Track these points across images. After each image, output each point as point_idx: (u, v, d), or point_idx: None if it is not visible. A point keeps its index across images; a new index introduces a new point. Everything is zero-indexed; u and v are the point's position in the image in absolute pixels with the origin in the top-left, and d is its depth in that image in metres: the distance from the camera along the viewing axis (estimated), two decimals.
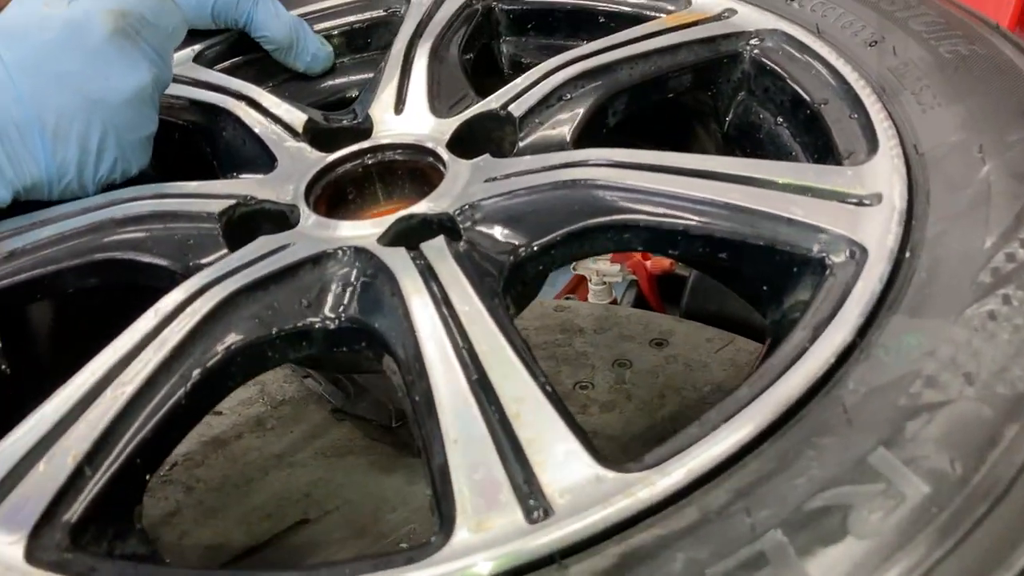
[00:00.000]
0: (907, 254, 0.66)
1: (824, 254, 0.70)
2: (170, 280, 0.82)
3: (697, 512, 0.52)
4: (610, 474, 0.56)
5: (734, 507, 0.52)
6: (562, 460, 0.57)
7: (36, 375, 0.90)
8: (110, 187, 0.92)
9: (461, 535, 0.54)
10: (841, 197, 0.73)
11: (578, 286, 2.16)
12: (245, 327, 0.73)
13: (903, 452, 0.52)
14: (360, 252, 0.77)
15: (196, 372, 0.70)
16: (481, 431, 0.60)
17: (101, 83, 0.88)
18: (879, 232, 0.68)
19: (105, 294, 0.87)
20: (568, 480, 0.56)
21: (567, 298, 2.03)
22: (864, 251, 0.67)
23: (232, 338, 0.72)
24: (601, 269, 2.00)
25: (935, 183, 0.72)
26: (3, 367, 0.87)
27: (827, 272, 0.69)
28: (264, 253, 0.78)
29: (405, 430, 1.29)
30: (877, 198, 0.72)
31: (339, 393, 1.41)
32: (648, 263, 1.94)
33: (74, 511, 0.62)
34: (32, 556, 0.58)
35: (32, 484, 0.62)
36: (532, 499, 0.56)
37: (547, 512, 0.55)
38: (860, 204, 0.72)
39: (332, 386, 1.41)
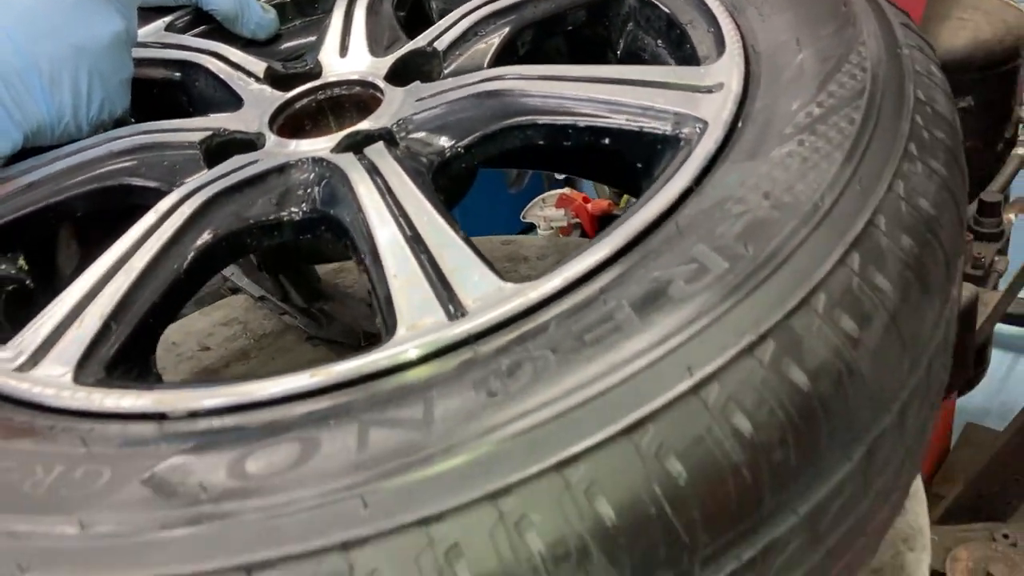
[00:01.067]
0: (739, 124, 0.86)
1: (678, 131, 0.89)
2: (156, 198, 1.00)
3: (570, 303, 0.72)
4: (509, 285, 0.75)
5: (596, 298, 0.71)
6: (475, 280, 0.77)
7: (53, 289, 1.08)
8: (100, 129, 1.11)
9: (400, 333, 0.74)
10: (693, 88, 0.92)
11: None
12: (227, 220, 0.92)
13: (713, 244, 0.71)
14: (317, 160, 0.96)
15: (190, 254, 0.89)
16: (415, 269, 0.79)
17: (84, 32, 1.06)
18: (718, 109, 0.88)
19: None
20: (478, 292, 0.75)
21: None
22: (706, 124, 0.87)
23: (217, 227, 0.91)
24: (548, 215, 2.19)
25: (765, 72, 0.92)
26: (28, 283, 1.05)
27: (680, 144, 0.88)
28: (238, 166, 0.97)
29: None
30: (720, 86, 0.91)
31: (313, 323, 1.59)
32: (589, 205, 2.14)
33: (106, 355, 0.81)
34: (78, 380, 0.77)
35: (73, 335, 0.81)
36: (452, 306, 0.75)
37: (463, 313, 0.74)
38: (707, 92, 0.91)
39: (306, 318, 1.60)
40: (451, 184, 0.98)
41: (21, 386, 0.77)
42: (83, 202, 1.04)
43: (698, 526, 0.63)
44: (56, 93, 1.05)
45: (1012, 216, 2.53)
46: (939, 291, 0.78)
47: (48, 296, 1.03)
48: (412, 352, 0.71)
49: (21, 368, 0.80)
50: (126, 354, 0.82)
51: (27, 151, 1.08)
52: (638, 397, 0.63)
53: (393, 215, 0.85)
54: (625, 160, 0.96)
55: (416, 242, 0.82)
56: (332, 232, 0.92)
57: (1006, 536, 1.91)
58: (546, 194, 2.22)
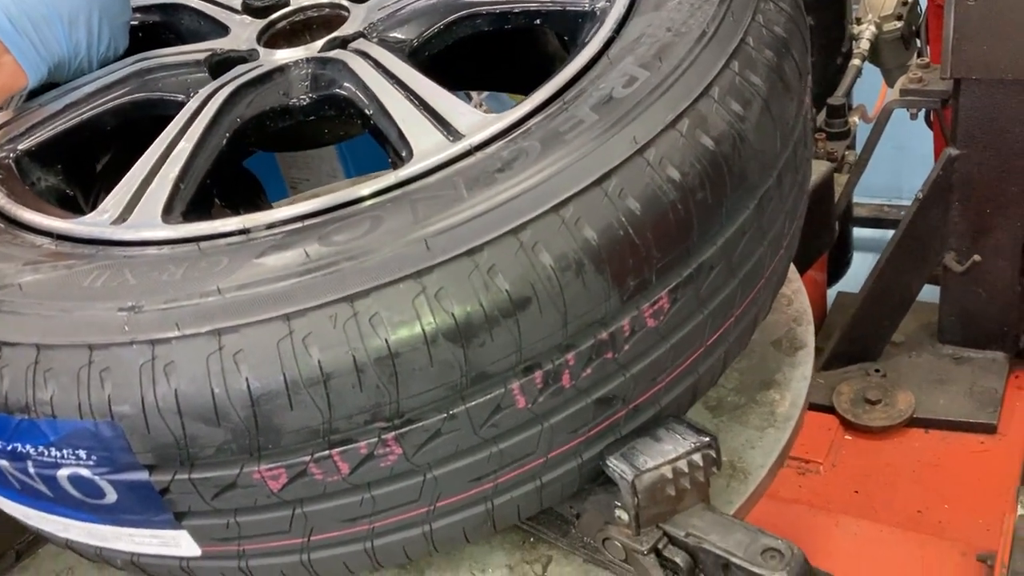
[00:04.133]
0: None
1: (594, 6, 1.17)
2: (179, 109, 1.22)
3: (542, 116, 0.98)
4: (492, 115, 1.02)
5: (563, 110, 0.98)
6: (465, 113, 1.03)
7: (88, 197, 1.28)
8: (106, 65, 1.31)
9: (417, 154, 0.99)
10: None
11: None
12: (249, 107, 1.15)
13: (636, 63, 0.99)
14: (312, 59, 1.20)
15: (227, 132, 1.12)
16: (417, 115, 1.05)
17: None
18: None
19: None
20: (469, 121, 1.01)
21: None
22: None
23: (242, 112, 1.14)
24: None
25: None
26: (67, 191, 1.25)
27: (597, 16, 1.16)
28: (246, 70, 1.20)
29: None
30: None
31: None
32: None
33: (180, 207, 1.03)
34: (166, 222, 1.00)
35: (152, 192, 1.03)
36: (450, 133, 1.00)
37: (460, 136, 1.00)
38: None
39: None
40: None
41: (122, 231, 0.99)
42: (111, 117, 1.24)
43: (652, 245, 0.91)
44: (74, 33, 1.25)
45: (855, 119, 2.93)
46: (796, 92, 1.08)
47: (88, 199, 1.25)
48: (431, 162, 0.97)
49: (115, 222, 1.01)
50: (194, 206, 1.05)
51: (45, 87, 1.28)
52: (603, 160, 0.91)
53: (389, 81, 1.10)
54: (551, 33, 1.23)
55: (413, 96, 1.07)
56: (335, 108, 1.16)
57: (878, 371, 2.28)
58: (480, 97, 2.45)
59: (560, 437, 0.96)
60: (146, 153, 1.09)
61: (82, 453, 0.89)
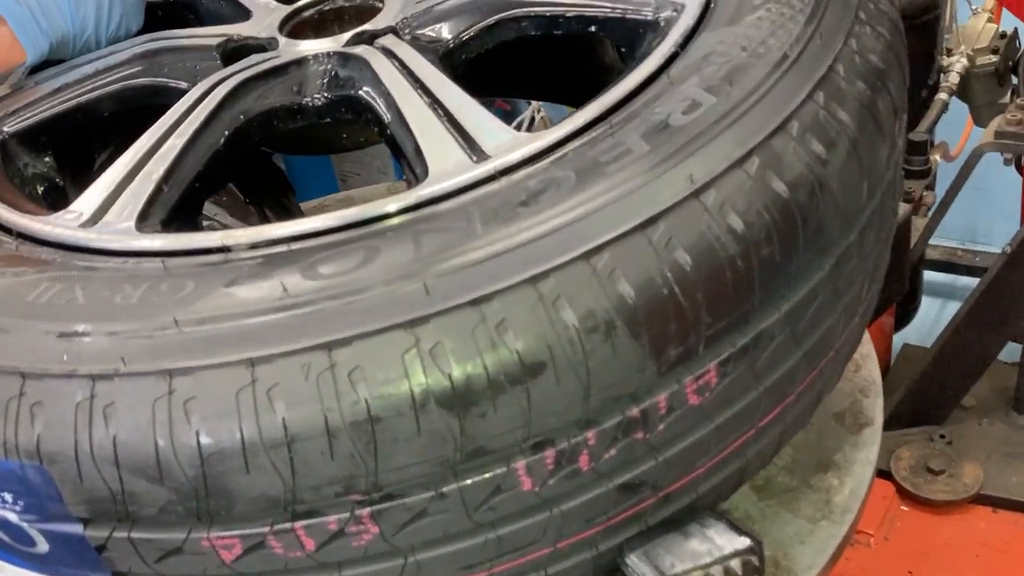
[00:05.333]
0: (712, 3, 0.98)
1: (657, 16, 1.01)
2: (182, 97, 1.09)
3: (583, 140, 0.83)
4: (524, 134, 0.87)
5: (608, 134, 0.82)
6: (494, 130, 0.87)
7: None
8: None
9: (433, 175, 0.84)
10: None
11: None
12: (256, 102, 1.01)
13: (702, 85, 0.84)
14: (333, 54, 1.06)
15: (227, 130, 0.98)
16: (439, 128, 0.90)
17: None
18: None
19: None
20: (497, 140, 0.86)
21: None
22: (683, 6, 0.99)
23: (247, 107, 1.00)
24: None
25: None
26: (57, 180, 1.12)
27: (660, 26, 1.00)
28: (260, 60, 1.06)
29: None
30: None
31: None
32: None
33: (161, 212, 0.90)
34: (140, 229, 0.86)
35: (130, 196, 0.90)
36: (474, 152, 0.85)
37: (486, 156, 0.85)
38: None
39: None
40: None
41: (88, 236, 0.86)
42: (109, 102, 1.11)
43: (702, 308, 0.75)
44: (81, 7, 1.13)
45: (936, 157, 2.72)
46: (889, 134, 0.91)
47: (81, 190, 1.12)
48: (446, 185, 0.82)
49: (84, 224, 0.88)
50: (177, 213, 0.91)
51: (48, 64, 1.16)
52: (650, 200, 0.75)
53: (413, 86, 0.95)
54: (608, 43, 1.08)
55: (438, 105, 0.92)
56: (352, 111, 1.02)
57: (942, 436, 2.08)
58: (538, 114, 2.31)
59: (572, 526, 0.80)
60: (132, 147, 0.95)
61: (7, 496, 0.76)
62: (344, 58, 1.04)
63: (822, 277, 0.84)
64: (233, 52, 1.13)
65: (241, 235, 0.82)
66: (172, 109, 0.99)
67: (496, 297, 0.71)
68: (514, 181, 0.80)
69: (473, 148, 0.86)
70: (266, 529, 0.74)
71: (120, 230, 0.86)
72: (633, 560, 0.81)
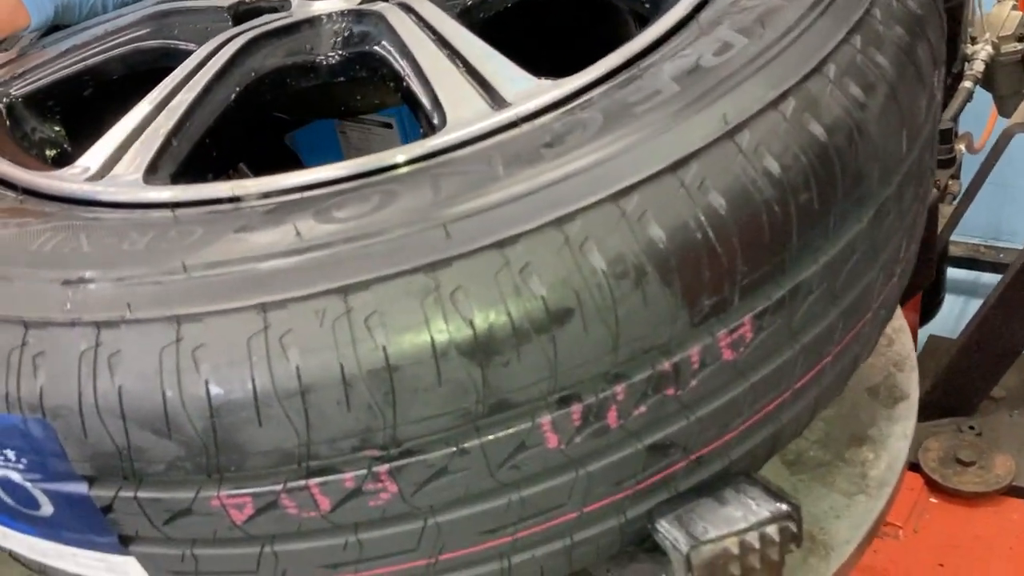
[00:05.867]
0: None
1: None
2: None
3: (611, 84, 0.79)
4: (547, 81, 0.83)
5: (638, 77, 0.79)
6: (516, 79, 0.84)
7: None
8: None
9: (453, 120, 0.80)
10: None
11: None
12: (268, 59, 0.98)
13: (734, 28, 0.80)
14: (347, 12, 1.02)
15: (237, 87, 0.95)
16: (458, 78, 0.86)
17: None
18: None
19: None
20: (520, 88, 0.82)
21: None
22: None
23: (259, 63, 0.97)
24: None
25: None
26: (66, 145, 1.09)
27: None
28: (273, 19, 1.03)
29: None
30: None
31: None
32: None
33: (171, 166, 0.86)
34: (148, 182, 0.83)
35: (139, 147, 0.86)
36: (495, 101, 0.82)
37: (506, 104, 0.81)
38: None
39: None
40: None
41: (95, 189, 0.82)
42: (118, 65, 1.09)
43: (737, 255, 0.71)
44: None
45: (962, 147, 2.67)
46: (928, 84, 0.87)
47: None
48: (466, 132, 0.78)
49: (91, 178, 0.85)
50: (187, 167, 0.88)
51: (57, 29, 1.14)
52: (682, 141, 0.71)
53: (431, 39, 0.92)
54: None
55: (456, 57, 0.89)
56: (367, 68, 0.99)
57: (972, 427, 2.02)
58: None
59: (599, 489, 0.76)
60: (142, 101, 0.92)
61: (10, 453, 0.72)
62: (359, 15, 1.01)
63: (860, 230, 0.80)
64: (245, 13, 1.10)
65: (251, 184, 0.78)
66: (182, 65, 0.96)
67: (520, 240, 0.67)
68: (537, 126, 0.76)
69: (493, 97, 0.83)
70: (279, 487, 0.70)
71: (128, 183, 0.83)
72: (664, 526, 0.77)
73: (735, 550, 0.76)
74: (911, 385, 1.13)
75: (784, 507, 0.77)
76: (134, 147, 0.87)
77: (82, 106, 1.12)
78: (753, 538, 0.76)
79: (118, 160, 0.86)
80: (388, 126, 2.37)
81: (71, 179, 0.85)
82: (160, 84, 0.93)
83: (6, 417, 0.70)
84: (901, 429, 1.06)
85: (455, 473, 0.71)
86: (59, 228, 0.76)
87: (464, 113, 0.81)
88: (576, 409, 0.71)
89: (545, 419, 0.70)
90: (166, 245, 0.71)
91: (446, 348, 0.66)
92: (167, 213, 0.76)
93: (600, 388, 0.71)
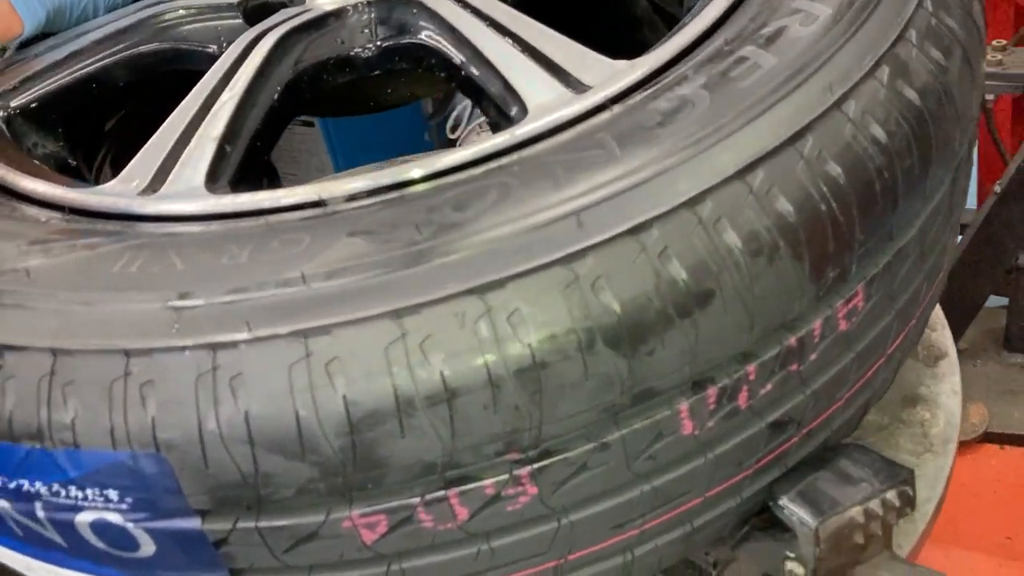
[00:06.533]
0: None
1: None
2: (209, 60, 1.00)
3: (698, 58, 0.77)
4: (622, 62, 0.81)
5: (723, 49, 0.77)
6: (588, 62, 0.81)
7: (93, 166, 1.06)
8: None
9: (536, 107, 0.78)
10: None
11: None
12: (303, 56, 0.93)
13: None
14: (374, 2, 0.98)
15: (279, 87, 0.90)
16: (527, 63, 0.83)
17: None
18: None
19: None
20: (596, 71, 0.80)
21: None
22: None
23: (295, 61, 0.92)
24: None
25: None
26: (70, 160, 1.02)
27: None
28: (295, 14, 0.98)
29: None
30: None
31: None
32: None
33: (228, 173, 0.81)
34: (211, 191, 0.77)
35: (190, 156, 0.81)
36: (571, 85, 0.79)
37: (585, 87, 0.79)
38: None
39: None
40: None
41: (157, 203, 0.77)
42: (122, 71, 1.02)
43: (856, 223, 0.71)
44: None
45: None
46: (984, 43, 0.88)
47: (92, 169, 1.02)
48: (555, 118, 0.75)
49: (144, 192, 0.79)
50: (244, 173, 0.83)
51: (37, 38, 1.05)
52: (795, 113, 0.70)
53: (485, 24, 0.88)
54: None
55: (517, 41, 0.86)
56: (409, 59, 0.95)
57: None
58: (482, 119, 2.25)
59: (723, 471, 0.75)
60: (179, 108, 0.86)
61: (112, 494, 0.67)
62: (390, 4, 0.97)
63: (944, 191, 0.81)
64: (257, 9, 1.04)
65: (334, 186, 0.74)
66: (216, 66, 0.90)
67: (654, 224, 0.65)
68: (633, 106, 0.74)
69: (568, 80, 0.80)
70: (416, 500, 0.66)
71: (192, 194, 0.77)
72: (786, 503, 0.77)
73: (860, 519, 0.76)
74: (947, 343, 1.15)
75: (901, 472, 0.78)
76: (184, 156, 0.81)
77: (83, 117, 1.04)
78: (876, 505, 0.77)
79: (169, 171, 0.80)
80: (310, 124, 2.30)
81: (124, 194, 0.78)
82: (194, 90, 0.87)
83: (110, 455, 0.65)
84: (949, 386, 1.08)
85: (594, 469, 0.69)
86: (137, 247, 0.70)
87: (544, 99, 0.78)
88: (711, 393, 0.70)
89: (683, 405, 0.69)
90: (271, 256, 0.66)
91: (592, 340, 0.63)
92: (257, 222, 0.71)
93: (734, 369, 0.70)
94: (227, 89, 0.87)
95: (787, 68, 0.73)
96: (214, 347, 0.63)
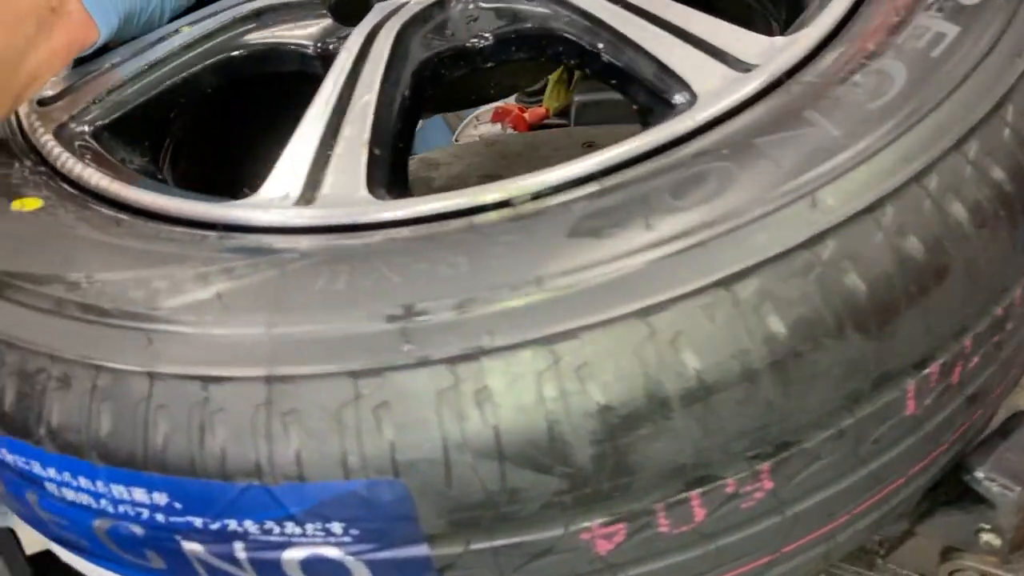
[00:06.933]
0: None
1: None
2: (303, 61, 0.95)
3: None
4: (779, 39, 0.79)
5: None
6: (741, 38, 0.79)
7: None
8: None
9: (704, 89, 0.75)
10: None
11: None
12: (420, 52, 0.89)
13: None
14: None
15: (406, 83, 0.85)
16: (679, 44, 0.80)
17: None
18: None
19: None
20: (753, 47, 0.78)
21: None
22: None
23: (416, 57, 0.88)
24: (484, 132, 2.20)
25: None
26: (159, 176, 0.95)
27: None
28: (395, 7, 0.93)
29: None
30: None
31: None
32: (526, 114, 2.17)
33: (382, 177, 0.77)
34: (377, 195, 0.73)
35: (340, 162, 0.76)
36: (731, 65, 0.77)
37: (750, 65, 0.76)
38: None
39: None
40: None
41: (332, 213, 0.72)
42: (211, 76, 0.96)
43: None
44: None
45: None
46: None
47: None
48: (735, 99, 0.73)
49: (299, 203, 0.74)
50: (395, 177, 0.78)
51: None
52: (992, 81, 0.69)
53: (623, 7, 0.85)
54: None
55: (660, 23, 0.83)
56: (529, 48, 0.91)
57: None
58: (479, 110, 2.22)
59: (928, 448, 0.74)
60: (308, 115, 0.81)
61: (336, 527, 0.62)
62: None
63: None
64: (342, 4, 0.99)
65: (515, 186, 0.70)
66: (336, 67, 0.84)
67: (888, 201, 0.63)
68: (822, 80, 0.72)
69: (726, 59, 0.78)
70: (659, 505, 0.64)
71: (361, 201, 0.72)
72: (983, 475, 0.76)
73: None
74: None
75: None
76: (333, 163, 0.76)
77: (170, 128, 0.98)
78: None
79: (319, 180, 0.75)
80: None
81: (282, 206, 0.73)
82: (321, 93, 0.82)
83: (340, 486, 0.60)
84: None
85: (825, 458, 0.67)
86: (330, 261, 0.65)
87: (711, 81, 0.76)
88: (934, 370, 0.68)
89: (910, 385, 0.67)
90: (495, 261, 0.63)
91: (841, 325, 0.61)
92: (462, 225, 0.67)
93: (954, 344, 0.69)
94: (359, 90, 0.82)
95: (973, 37, 0.72)
96: (453, 360, 0.59)
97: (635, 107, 0.83)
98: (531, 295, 0.60)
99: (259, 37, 0.96)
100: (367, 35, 0.88)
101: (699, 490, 0.64)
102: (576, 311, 0.59)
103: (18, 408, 0.67)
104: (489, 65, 0.93)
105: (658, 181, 0.66)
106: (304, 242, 0.69)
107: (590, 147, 1.67)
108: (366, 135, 0.78)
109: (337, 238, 0.69)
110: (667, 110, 0.78)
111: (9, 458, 0.70)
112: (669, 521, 0.65)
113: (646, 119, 0.82)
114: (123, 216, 0.75)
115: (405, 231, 0.68)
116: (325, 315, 0.62)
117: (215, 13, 0.98)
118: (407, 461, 0.59)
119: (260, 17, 0.97)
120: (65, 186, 0.82)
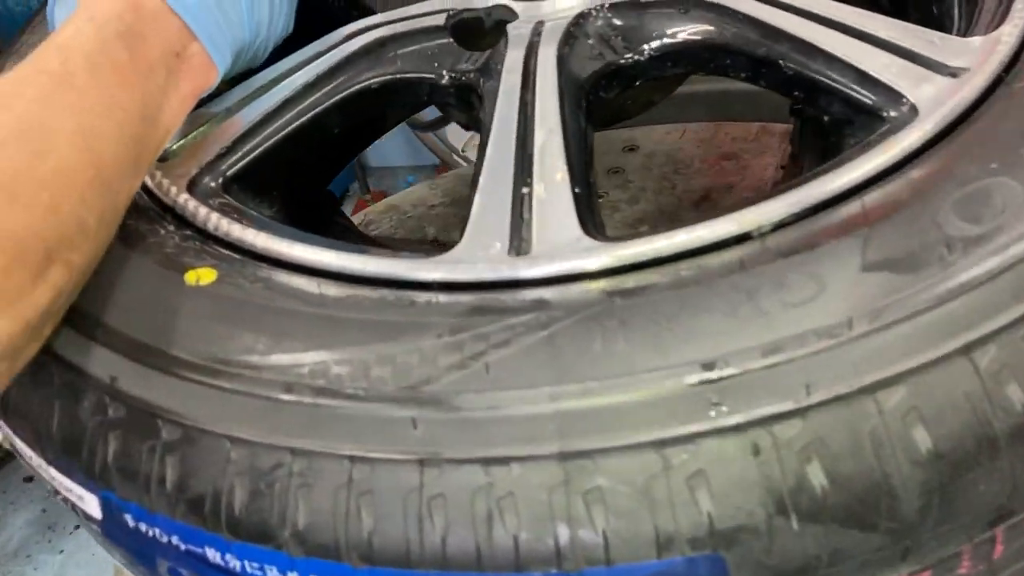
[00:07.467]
0: None
1: None
2: (430, 91, 0.90)
3: None
4: (977, 39, 0.76)
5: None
6: (938, 43, 0.76)
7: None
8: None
9: (920, 97, 0.71)
10: None
11: None
12: (581, 73, 0.84)
13: None
14: (612, 4, 0.89)
15: (579, 111, 0.80)
16: (876, 51, 0.76)
17: None
18: None
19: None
20: (959, 53, 0.74)
21: None
22: None
23: (579, 79, 0.83)
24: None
25: None
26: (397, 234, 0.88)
27: None
28: (535, 29, 0.87)
29: None
30: None
31: None
32: None
33: (590, 218, 0.71)
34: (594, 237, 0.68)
35: (543, 207, 0.70)
36: (934, 68, 0.73)
37: (956, 69, 0.72)
38: None
39: None
40: None
41: (549, 263, 0.66)
42: (335, 117, 0.89)
43: None
44: (256, 10, 0.89)
45: None
46: None
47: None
48: (958, 103, 0.70)
49: (512, 254, 0.68)
50: (596, 215, 0.73)
51: None
52: None
53: (793, 14, 0.81)
54: None
55: (849, 30, 0.78)
56: (687, 64, 0.86)
57: None
58: None
59: None
60: (490, 156, 0.75)
61: None
62: (640, 4, 0.88)
63: None
64: (461, 24, 0.93)
65: (755, 215, 0.65)
66: (502, 102, 0.79)
67: None
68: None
69: (931, 64, 0.75)
70: (968, 546, 0.60)
71: (585, 245, 0.67)
72: None
73: None
74: None
75: None
76: (536, 207, 0.70)
77: (299, 174, 0.91)
78: None
79: (524, 227, 0.69)
80: None
81: (500, 260, 0.67)
82: (494, 133, 0.76)
83: (652, 566, 0.55)
84: None
85: None
86: (593, 319, 0.60)
87: (928, 89, 0.72)
88: None
89: None
90: (774, 304, 0.58)
91: None
92: (723, 261, 0.62)
93: None
94: (538, 124, 0.76)
95: None
96: (769, 421, 0.55)
97: (826, 118, 0.79)
98: (844, 339, 0.56)
99: (386, 70, 0.89)
100: (521, 60, 0.82)
101: (1004, 525, 0.61)
102: (896, 352, 0.55)
103: (252, 510, 0.61)
104: (640, 82, 0.88)
105: (936, 200, 0.62)
106: (548, 294, 0.64)
107: (632, 151, 1.64)
108: (565, 175, 0.73)
109: (581, 288, 0.64)
110: (874, 121, 0.74)
111: (237, 565, 0.63)
112: (971, 560, 0.62)
113: (840, 131, 0.78)
114: (321, 281, 0.69)
115: (653, 275, 0.63)
116: (619, 382, 0.57)
117: (331, 47, 0.91)
118: (729, 531, 0.55)
119: (383, 47, 0.91)
120: (223, 250, 0.75)
